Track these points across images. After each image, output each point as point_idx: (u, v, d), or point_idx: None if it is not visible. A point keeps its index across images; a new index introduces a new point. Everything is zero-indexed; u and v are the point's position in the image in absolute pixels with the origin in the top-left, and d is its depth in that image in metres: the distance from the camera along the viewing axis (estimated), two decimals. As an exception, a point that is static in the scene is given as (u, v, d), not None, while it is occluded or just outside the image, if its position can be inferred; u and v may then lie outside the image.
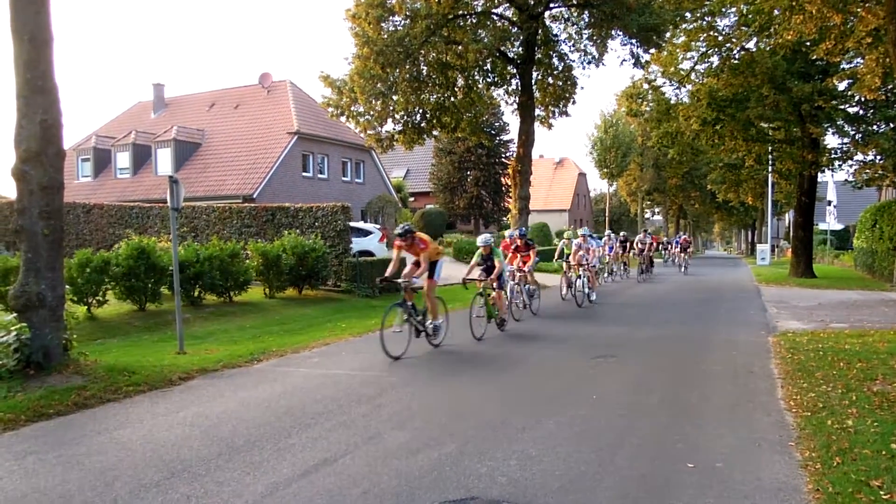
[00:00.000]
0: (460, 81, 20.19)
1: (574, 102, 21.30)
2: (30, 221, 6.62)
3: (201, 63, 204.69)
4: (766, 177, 33.11)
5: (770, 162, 25.52)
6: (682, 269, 26.93)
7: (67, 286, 8.85)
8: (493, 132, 40.17)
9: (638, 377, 7.22)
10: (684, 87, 23.09)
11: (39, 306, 6.55)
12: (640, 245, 24.79)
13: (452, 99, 20.31)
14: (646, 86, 23.94)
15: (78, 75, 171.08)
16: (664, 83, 23.69)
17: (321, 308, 13.77)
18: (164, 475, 4.29)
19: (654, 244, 27.37)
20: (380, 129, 19.91)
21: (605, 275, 20.92)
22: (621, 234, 24.08)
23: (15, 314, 6.59)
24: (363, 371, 7.45)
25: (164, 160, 29.55)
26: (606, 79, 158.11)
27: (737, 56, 20.78)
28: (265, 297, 14.28)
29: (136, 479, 4.20)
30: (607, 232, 24.12)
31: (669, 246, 33.68)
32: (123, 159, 31.02)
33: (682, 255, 27.61)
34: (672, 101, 23.75)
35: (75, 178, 31.04)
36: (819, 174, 24.26)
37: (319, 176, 31.01)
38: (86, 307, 10.90)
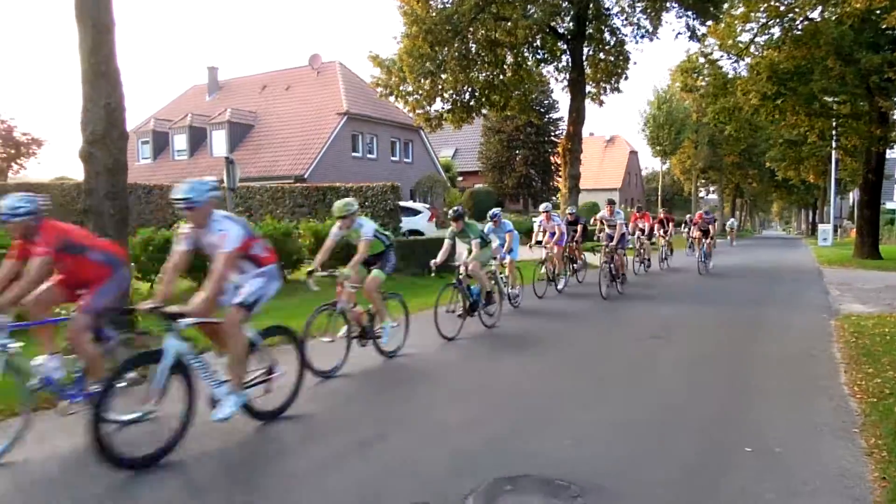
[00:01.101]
0: (509, 59, 19.91)
1: (626, 78, 20.71)
2: (97, 201, 6.92)
3: (253, 45, 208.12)
4: (829, 153, 31.64)
5: (834, 138, 24.38)
6: (702, 263, 16.83)
7: (132, 264, 9.23)
8: (542, 110, 39.63)
9: (692, 359, 7.09)
10: (743, 60, 22.23)
11: (107, 283, 6.85)
12: (607, 228, 13.26)
13: (501, 77, 20.06)
14: (702, 60, 23.16)
15: (137, 59, 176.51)
16: (721, 56, 22.87)
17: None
18: (219, 444, 4.46)
19: (656, 224, 18.21)
20: (428, 108, 19.88)
21: (547, 284, 12.04)
22: (569, 210, 14.48)
23: (84, 290, 6.91)
24: (414, 350, 7.54)
25: (219, 142, 30.35)
26: (660, 53, 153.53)
27: (800, 27, 19.85)
28: (317, 275, 14.54)
29: (195, 447, 4.38)
30: (543, 206, 12.80)
31: (690, 227, 21.33)
32: (180, 141, 32.00)
33: (704, 241, 17.24)
34: (729, 76, 22.92)
35: (135, 161, 32.19)
36: (888, 150, 23.08)
37: (369, 156, 31.28)
38: (149, 284, 11.36)
